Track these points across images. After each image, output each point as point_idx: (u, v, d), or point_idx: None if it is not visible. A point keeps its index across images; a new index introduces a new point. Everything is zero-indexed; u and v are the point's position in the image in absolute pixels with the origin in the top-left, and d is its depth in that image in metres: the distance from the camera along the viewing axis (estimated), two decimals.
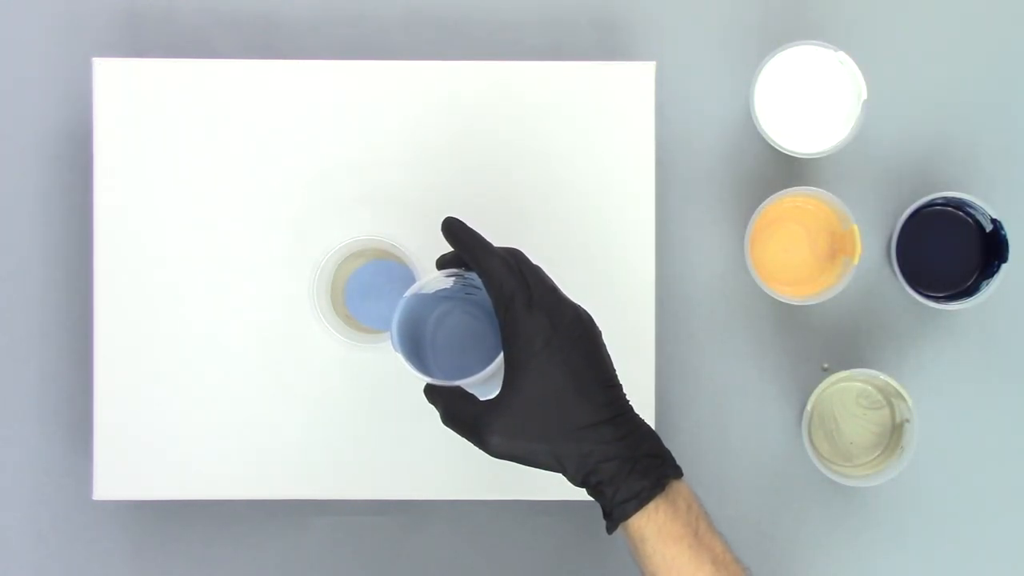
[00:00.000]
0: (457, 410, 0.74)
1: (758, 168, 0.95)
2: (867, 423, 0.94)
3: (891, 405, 0.93)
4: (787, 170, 0.95)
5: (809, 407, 0.90)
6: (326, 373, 0.90)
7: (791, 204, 0.91)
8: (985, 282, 0.90)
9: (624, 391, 0.74)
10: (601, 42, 0.96)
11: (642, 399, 0.88)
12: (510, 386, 0.72)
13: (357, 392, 0.90)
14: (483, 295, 0.79)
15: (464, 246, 0.75)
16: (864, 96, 0.89)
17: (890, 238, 0.91)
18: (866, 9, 0.96)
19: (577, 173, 0.90)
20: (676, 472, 0.73)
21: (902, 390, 0.89)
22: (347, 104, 0.91)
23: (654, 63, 0.91)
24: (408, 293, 0.78)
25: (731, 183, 0.95)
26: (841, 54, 0.89)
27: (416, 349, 0.80)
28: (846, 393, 0.94)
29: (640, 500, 0.71)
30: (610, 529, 0.73)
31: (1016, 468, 0.95)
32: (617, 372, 0.74)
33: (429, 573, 0.96)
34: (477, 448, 0.73)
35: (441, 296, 0.81)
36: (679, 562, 0.71)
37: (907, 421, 0.91)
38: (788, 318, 0.95)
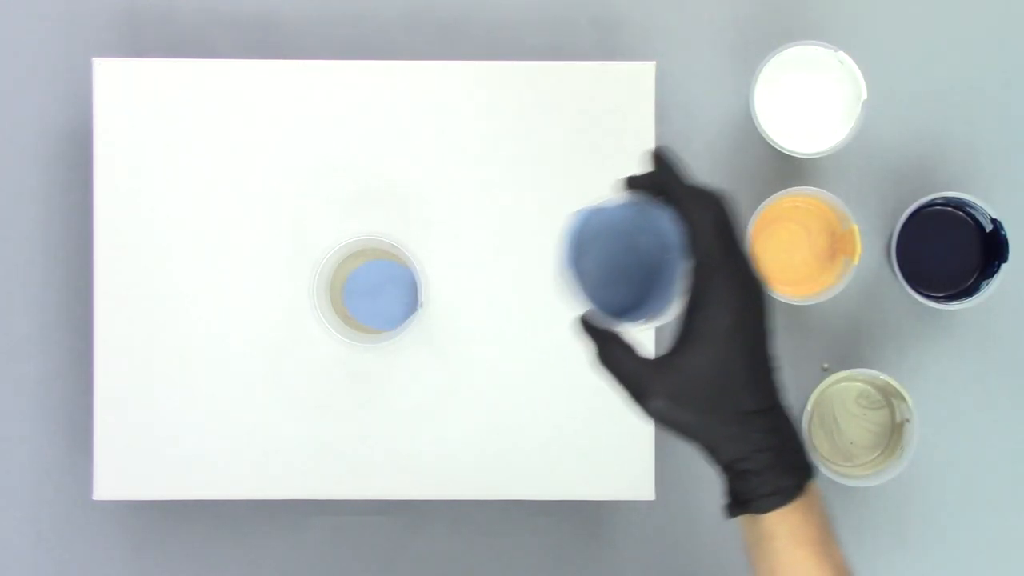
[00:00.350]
0: (617, 359, 0.68)
1: (758, 168, 0.95)
2: (867, 423, 0.94)
3: (891, 405, 0.93)
4: (787, 170, 0.95)
5: (809, 407, 0.90)
6: (326, 373, 0.90)
7: (791, 204, 0.91)
8: (985, 282, 0.90)
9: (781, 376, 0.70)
10: (601, 42, 0.96)
11: None
12: (687, 352, 0.66)
13: (357, 392, 0.90)
14: (661, 230, 0.70)
15: (671, 187, 0.69)
16: (864, 96, 0.89)
17: (890, 238, 0.91)
18: (866, 9, 0.96)
19: (577, 173, 0.90)
20: (813, 472, 0.70)
21: (902, 390, 0.89)
22: (347, 104, 0.91)
23: (654, 63, 0.91)
24: (586, 208, 0.70)
25: (731, 183, 0.95)
26: (841, 54, 0.89)
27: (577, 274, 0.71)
28: (846, 393, 0.94)
29: (784, 497, 0.67)
30: (733, 515, 0.70)
31: (1016, 468, 0.95)
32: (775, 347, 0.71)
33: (429, 573, 0.96)
34: (627, 402, 0.68)
35: (611, 218, 0.72)
36: (805, 566, 0.68)
37: (907, 421, 0.91)
38: (788, 318, 0.95)
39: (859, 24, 0.95)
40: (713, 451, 0.69)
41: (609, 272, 0.71)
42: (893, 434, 0.93)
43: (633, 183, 0.70)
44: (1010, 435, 0.95)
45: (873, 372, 0.90)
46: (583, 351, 0.69)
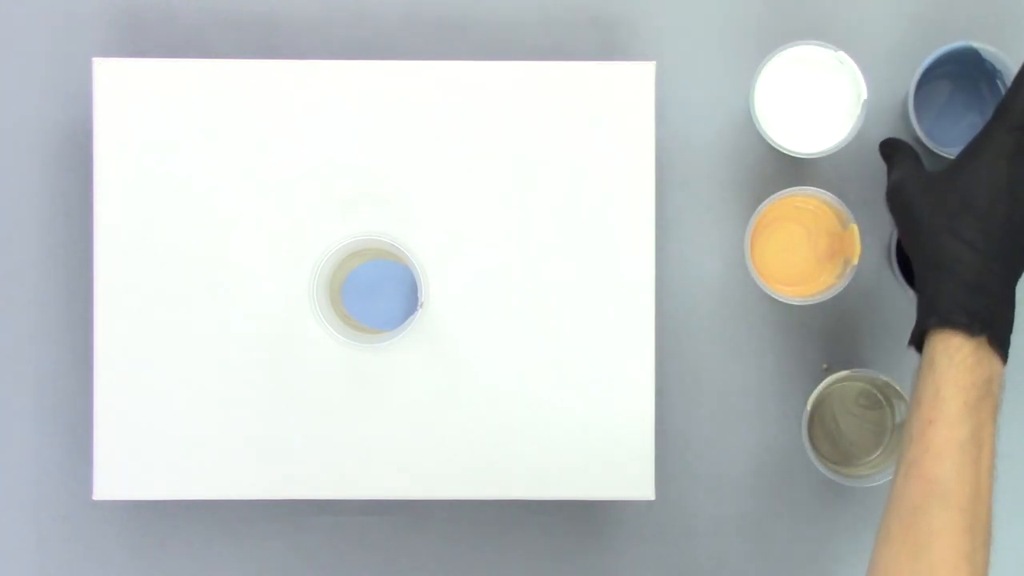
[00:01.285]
0: (898, 147, 0.83)
1: (758, 168, 0.95)
2: (867, 423, 0.94)
3: (891, 405, 0.93)
4: (787, 170, 0.95)
5: (809, 407, 0.90)
6: (326, 373, 0.90)
7: (791, 204, 0.91)
8: None
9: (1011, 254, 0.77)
10: (601, 42, 0.96)
11: (642, 399, 0.88)
12: (955, 164, 0.77)
13: (357, 392, 0.90)
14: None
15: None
16: (864, 96, 0.89)
17: (890, 238, 0.91)
18: (866, 9, 0.96)
19: (577, 173, 0.90)
20: (1005, 347, 0.73)
21: (902, 390, 0.89)
22: (347, 104, 0.91)
23: (654, 63, 0.91)
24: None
25: (731, 183, 0.95)
26: (841, 54, 0.89)
27: None
28: (846, 393, 0.94)
29: (973, 317, 0.71)
30: (921, 326, 0.75)
31: (1016, 468, 0.95)
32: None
33: (429, 573, 0.96)
34: (884, 181, 0.82)
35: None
36: (945, 408, 0.70)
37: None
38: (788, 318, 0.95)
39: (859, 24, 0.95)
40: (923, 251, 0.76)
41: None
42: (893, 434, 0.93)
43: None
44: (1010, 435, 0.95)
45: (873, 372, 0.90)
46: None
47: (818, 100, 0.90)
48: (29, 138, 0.96)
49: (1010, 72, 0.89)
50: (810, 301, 0.91)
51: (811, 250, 0.92)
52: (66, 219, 0.96)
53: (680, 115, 0.95)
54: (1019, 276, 0.76)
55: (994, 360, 0.73)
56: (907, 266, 0.90)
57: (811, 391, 0.90)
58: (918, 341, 0.76)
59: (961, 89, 0.94)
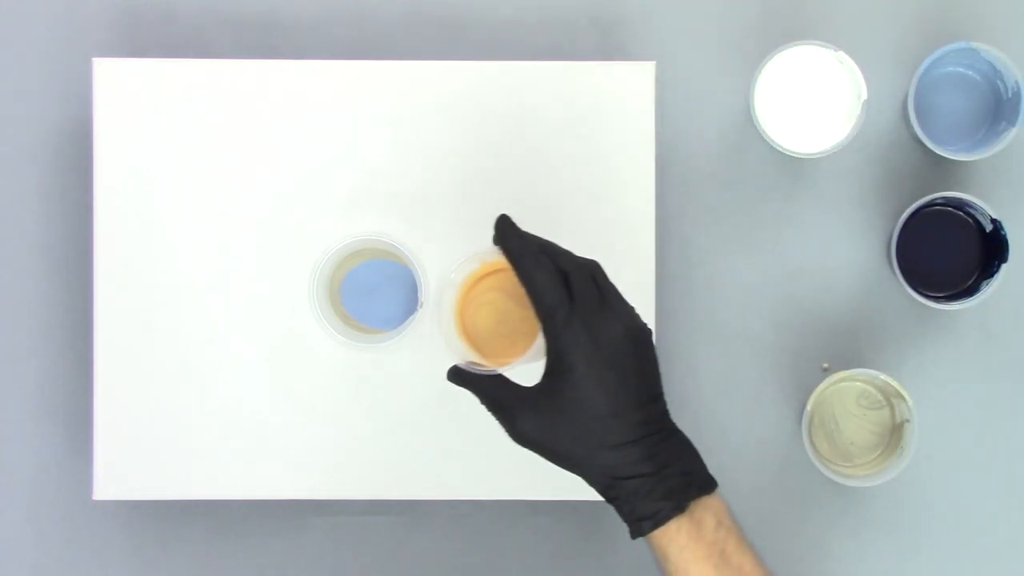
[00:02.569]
0: (492, 393, 0.74)
1: (758, 168, 0.95)
2: (867, 423, 0.94)
3: (891, 405, 0.93)
4: (787, 170, 0.95)
5: (809, 407, 0.90)
6: (326, 373, 0.90)
7: (485, 284, 0.81)
8: (985, 282, 0.90)
9: (664, 405, 0.73)
10: (601, 42, 0.96)
11: None
12: (547, 389, 0.72)
13: (357, 392, 0.90)
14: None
15: (509, 251, 0.74)
16: (864, 96, 0.89)
17: (890, 238, 0.91)
18: (866, 9, 0.96)
19: (577, 173, 0.90)
20: (705, 489, 0.72)
21: (902, 390, 0.89)
22: (347, 104, 0.91)
23: (654, 63, 0.91)
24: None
25: (731, 183, 0.95)
26: (841, 54, 0.89)
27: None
28: (846, 393, 0.94)
29: (656, 521, 0.71)
30: (633, 536, 0.73)
31: (1016, 468, 0.95)
32: (657, 380, 0.73)
33: (429, 573, 0.96)
34: (503, 432, 0.73)
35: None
36: None
37: (907, 421, 0.91)
38: (788, 318, 0.95)
39: (859, 24, 0.95)
40: (584, 478, 0.72)
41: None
42: (893, 434, 0.93)
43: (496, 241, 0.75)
44: (1010, 435, 0.95)
45: (873, 372, 0.90)
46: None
47: (818, 100, 0.90)
48: (29, 138, 0.96)
49: (1010, 72, 0.89)
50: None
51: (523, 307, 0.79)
52: (66, 219, 0.96)
53: (680, 115, 0.95)
54: (657, 422, 0.72)
55: (705, 505, 0.72)
56: (907, 266, 0.91)
57: (811, 391, 0.90)
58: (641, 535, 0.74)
59: (961, 89, 0.94)
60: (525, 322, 0.77)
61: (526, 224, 0.90)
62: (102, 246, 0.90)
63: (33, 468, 0.96)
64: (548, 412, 0.71)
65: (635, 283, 0.90)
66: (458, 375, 0.75)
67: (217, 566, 0.96)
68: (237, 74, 0.91)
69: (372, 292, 0.92)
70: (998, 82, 0.92)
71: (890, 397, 0.93)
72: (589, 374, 0.71)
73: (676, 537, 0.71)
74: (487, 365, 0.75)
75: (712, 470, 0.95)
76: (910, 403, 0.89)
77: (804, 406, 0.90)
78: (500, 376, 0.74)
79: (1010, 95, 0.90)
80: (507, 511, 0.95)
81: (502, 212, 0.75)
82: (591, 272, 0.74)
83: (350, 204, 0.90)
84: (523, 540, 0.95)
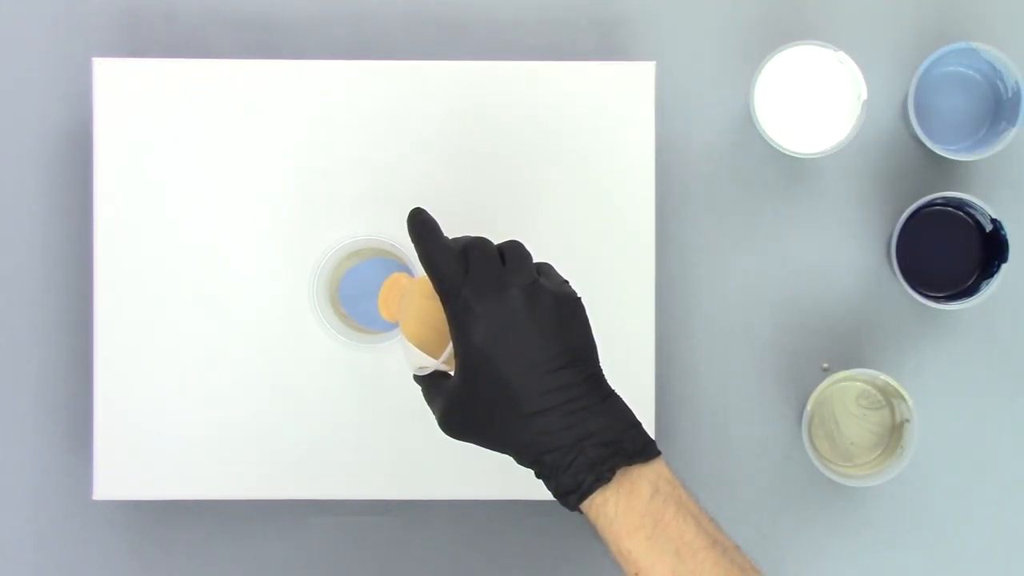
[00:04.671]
0: (426, 394, 0.75)
1: (758, 168, 0.95)
2: (867, 423, 0.94)
3: (891, 405, 0.93)
4: (787, 170, 0.95)
5: (809, 407, 0.90)
6: (326, 373, 0.90)
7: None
8: (985, 282, 0.90)
9: (592, 373, 0.70)
10: (601, 42, 0.96)
11: (642, 399, 0.88)
12: (457, 377, 0.71)
13: (357, 392, 0.90)
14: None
15: (415, 235, 0.73)
16: (864, 96, 0.89)
17: (890, 238, 0.91)
18: (866, 9, 0.96)
19: (577, 173, 0.90)
20: (636, 458, 0.68)
21: (902, 390, 0.89)
22: (347, 104, 0.91)
23: (654, 63, 0.91)
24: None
25: (731, 183, 0.95)
26: (841, 54, 0.89)
27: None
28: (846, 393, 0.94)
29: (581, 493, 0.68)
30: (569, 508, 0.70)
31: (1016, 468, 0.95)
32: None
33: (429, 573, 0.96)
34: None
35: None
36: (635, 555, 0.67)
37: (907, 421, 0.91)
38: (788, 318, 0.95)
39: (859, 24, 0.95)
40: (515, 457, 0.71)
41: None
42: (893, 434, 0.93)
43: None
44: (1010, 435, 0.95)
45: (873, 372, 0.90)
46: None
47: (818, 100, 0.90)
48: (29, 138, 0.96)
49: (1010, 72, 0.89)
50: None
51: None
52: (66, 219, 0.96)
53: (680, 115, 0.95)
54: (577, 388, 0.70)
55: (639, 473, 0.68)
56: (907, 266, 0.91)
57: (811, 391, 0.90)
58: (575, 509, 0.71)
59: (961, 89, 0.94)
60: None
61: (526, 223, 0.91)
62: (102, 246, 0.90)
63: (33, 468, 0.96)
64: (459, 400, 0.71)
65: (635, 283, 0.90)
66: (416, 380, 0.76)
67: (217, 566, 0.96)
68: (237, 74, 0.91)
69: (372, 292, 0.92)
70: (998, 82, 0.92)
71: (890, 397, 0.93)
72: (489, 348, 0.69)
73: (604, 509, 0.67)
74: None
75: (712, 470, 0.95)
76: (910, 403, 0.89)
77: (804, 406, 0.90)
78: (435, 373, 0.74)
79: (1010, 95, 0.90)
80: (507, 511, 0.95)
81: (416, 206, 0.75)
82: (498, 248, 0.72)
83: (350, 204, 0.90)
84: (523, 540, 0.95)
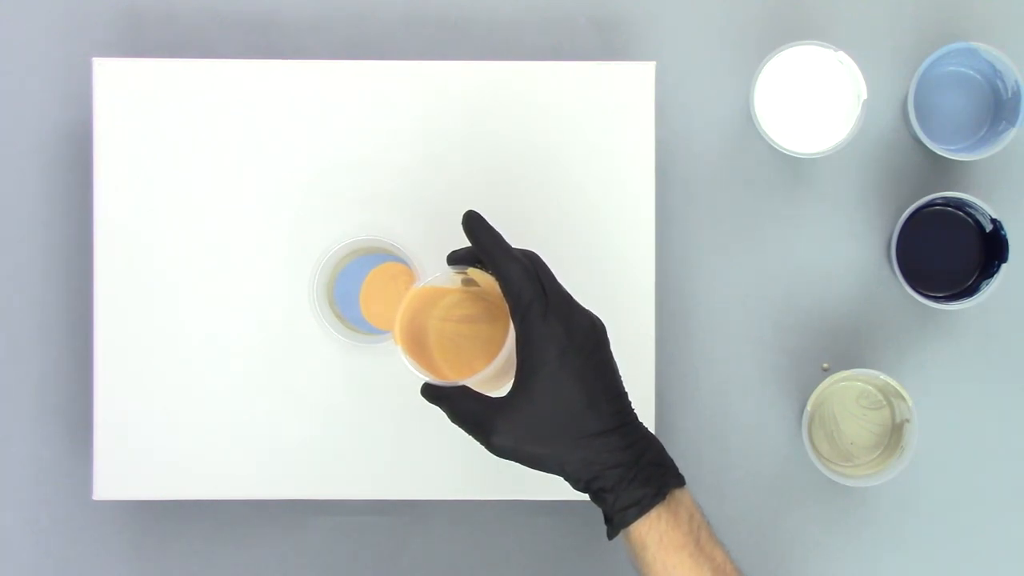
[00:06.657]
0: (463, 407, 0.74)
1: (758, 168, 0.95)
2: (867, 423, 0.94)
3: (891, 405, 0.93)
4: (787, 170, 0.95)
5: (809, 407, 0.90)
6: (326, 373, 0.90)
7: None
8: (985, 282, 0.90)
9: (629, 400, 0.75)
10: (601, 42, 0.96)
11: (642, 399, 0.88)
12: (522, 389, 0.72)
13: (357, 392, 0.90)
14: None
15: (482, 246, 0.74)
16: (864, 96, 0.89)
17: (890, 238, 0.91)
18: (866, 9, 0.96)
19: (577, 173, 0.90)
20: (678, 481, 0.74)
21: (902, 390, 0.89)
22: (347, 104, 0.91)
23: (654, 63, 0.91)
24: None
25: (731, 183, 0.95)
26: (841, 54, 0.89)
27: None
28: (846, 393, 0.94)
29: (641, 507, 0.72)
30: (611, 535, 0.73)
31: (1016, 468, 0.95)
32: (619, 374, 0.75)
33: (429, 573, 0.96)
34: (480, 445, 0.74)
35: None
36: (680, 570, 0.71)
37: (907, 421, 0.91)
38: (788, 318, 0.95)
39: (859, 24, 0.95)
40: (565, 476, 0.73)
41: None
42: (893, 434, 0.93)
43: (453, 259, 0.78)
44: (1010, 435, 0.95)
45: (873, 372, 0.90)
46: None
47: (818, 100, 0.90)
48: (29, 138, 0.96)
49: (1010, 72, 0.89)
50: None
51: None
52: (66, 219, 0.96)
53: (680, 115, 0.95)
54: (628, 413, 0.74)
55: (679, 497, 0.73)
56: (907, 266, 0.91)
57: (811, 391, 0.90)
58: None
59: (961, 89, 0.94)
60: (478, 340, 0.79)
61: (526, 223, 0.91)
62: (102, 246, 0.90)
63: (33, 468, 0.96)
64: (524, 415, 0.72)
65: (635, 283, 0.90)
66: (430, 390, 0.76)
67: (217, 566, 0.96)
68: (237, 74, 0.91)
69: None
70: (998, 82, 0.92)
71: (890, 397, 0.93)
72: (565, 366, 0.71)
73: (656, 525, 0.72)
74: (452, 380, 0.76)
75: (712, 470, 0.95)
76: (910, 403, 0.89)
77: (804, 406, 0.90)
78: (468, 388, 0.75)
79: (1010, 95, 0.90)
80: (507, 511, 0.95)
81: (469, 208, 0.75)
82: (542, 264, 0.75)
83: (350, 204, 0.90)
84: (523, 540, 0.95)
